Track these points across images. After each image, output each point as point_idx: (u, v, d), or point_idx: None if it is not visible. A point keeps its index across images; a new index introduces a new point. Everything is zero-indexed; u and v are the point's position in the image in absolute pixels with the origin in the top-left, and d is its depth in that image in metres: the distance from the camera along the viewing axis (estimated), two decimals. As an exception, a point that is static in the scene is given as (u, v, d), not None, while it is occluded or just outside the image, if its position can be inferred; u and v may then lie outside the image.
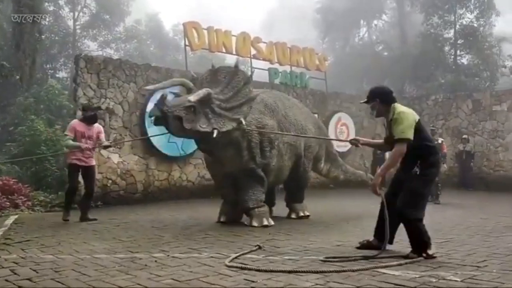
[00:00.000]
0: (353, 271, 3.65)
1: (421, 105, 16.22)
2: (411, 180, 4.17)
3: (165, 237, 5.47)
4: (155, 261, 4.14)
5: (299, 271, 3.63)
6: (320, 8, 27.14)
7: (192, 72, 7.23)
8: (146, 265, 3.99)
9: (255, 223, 6.27)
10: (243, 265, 3.86)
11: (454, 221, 7.11)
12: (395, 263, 3.90)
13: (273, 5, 47.09)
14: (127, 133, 10.32)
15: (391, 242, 4.46)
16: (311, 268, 3.74)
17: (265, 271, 3.68)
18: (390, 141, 4.33)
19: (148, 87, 7.03)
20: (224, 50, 12.76)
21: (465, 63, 20.75)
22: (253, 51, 13.36)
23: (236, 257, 4.18)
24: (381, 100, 4.39)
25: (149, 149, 10.53)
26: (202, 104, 5.67)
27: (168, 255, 4.36)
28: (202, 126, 5.66)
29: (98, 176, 9.69)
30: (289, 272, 3.63)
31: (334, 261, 4.03)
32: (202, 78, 6.34)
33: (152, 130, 10.44)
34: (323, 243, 5.02)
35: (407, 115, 4.19)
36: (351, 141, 5.02)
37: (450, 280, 3.39)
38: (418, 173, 4.15)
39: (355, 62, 24.40)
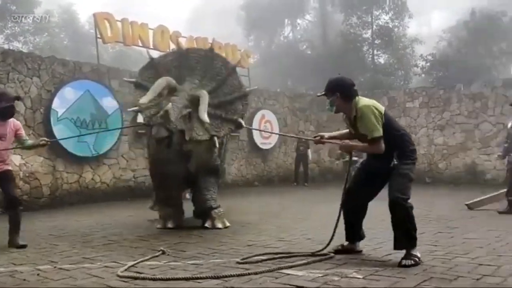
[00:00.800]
0: (256, 273, 3.43)
1: (341, 102, 16.61)
2: (395, 172, 3.79)
3: (59, 246, 4.93)
4: (38, 274, 3.66)
5: (197, 278, 3.34)
6: (244, 5, 27.06)
7: (149, 53, 5.95)
8: (25, 279, 3.50)
9: (219, 225, 5.74)
10: (137, 274, 3.50)
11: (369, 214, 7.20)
12: (301, 262, 3.75)
13: (198, 2, 46.40)
14: (30, 132, 9.40)
15: (361, 239, 4.19)
16: (213, 273, 3.47)
17: (161, 279, 3.35)
18: (357, 137, 3.99)
19: (140, 103, 5.02)
20: (140, 44, 12.16)
21: (382, 62, 21.66)
22: (172, 46, 12.86)
23: (133, 265, 3.81)
24: (341, 94, 3.88)
25: (56, 150, 9.70)
26: (193, 106, 5.05)
27: (55, 267, 3.88)
28: (199, 134, 5.16)
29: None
30: (187, 279, 3.33)
31: (251, 262, 3.80)
32: (166, 62, 5.50)
33: (59, 128, 9.70)
34: (234, 244, 4.78)
35: (372, 109, 3.74)
36: (315, 139, 4.32)
37: (352, 277, 3.28)
38: (398, 164, 3.78)
39: (280, 60, 24.62)
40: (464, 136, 14.13)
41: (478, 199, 8.23)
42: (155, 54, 9.24)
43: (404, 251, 3.67)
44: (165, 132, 4.85)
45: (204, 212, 5.87)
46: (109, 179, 10.75)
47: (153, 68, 5.50)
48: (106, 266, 3.86)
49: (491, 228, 5.43)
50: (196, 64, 5.39)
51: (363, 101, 3.86)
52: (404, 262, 3.57)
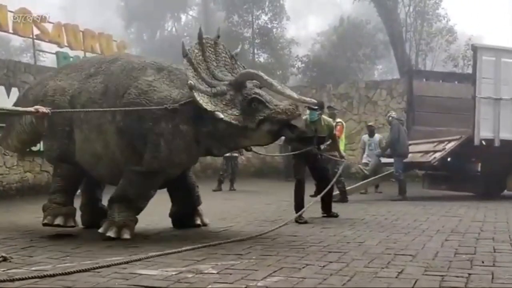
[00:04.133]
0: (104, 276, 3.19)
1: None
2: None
3: None
4: None
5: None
6: (124, -5, 25.89)
7: (183, 46, 4.64)
8: None
9: (207, 220, 5.40)
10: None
11: (241, 208, 7.32)
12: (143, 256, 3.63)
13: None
14: None
15: None
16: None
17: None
18: None
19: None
20: (-3, 28, 10.86)
21: (262, 61, 22.33)
22: (36, 31, 11.74)
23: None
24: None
25: None
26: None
27: None
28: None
29: None
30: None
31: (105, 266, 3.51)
32: (195, 56, 4.55)
33: None
34: (93, 246, 4.44)
35: None
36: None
37: (207, 273, 3.23)
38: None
39: (163, 55, 23.98)
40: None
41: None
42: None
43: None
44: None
45: (193, 211, 5.36)
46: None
47: (191, 65, 4.56)
48: None
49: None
50: (212, 55, 4.72)
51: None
52: None
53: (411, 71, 12.98)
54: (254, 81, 4.57)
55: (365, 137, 10.43)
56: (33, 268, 3.55)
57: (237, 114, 4.35)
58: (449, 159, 8.66)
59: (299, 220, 5.55)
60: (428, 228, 4.80)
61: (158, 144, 4.50)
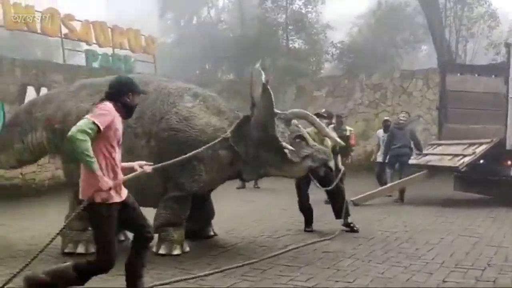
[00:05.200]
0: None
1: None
2: None
3: None
4: None
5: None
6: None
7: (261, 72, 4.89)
8: None
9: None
10: None
11: (255, 213, 7.21)
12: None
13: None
14: None
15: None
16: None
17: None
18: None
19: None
20: (25, 28, 11.14)
21: (297, 47, 21.82)
22: (65, 30, 11.96)
23: None
24: None
25: None
26: None
27: None
28: None
29: None
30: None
31: None
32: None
33: None
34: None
35: None
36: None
37: None
38: None
39: (198, 41, 23.97)
40: (365, 125, 14.67)
41: (363, 194, 8.54)
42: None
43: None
44: None
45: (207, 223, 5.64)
46: (-10, 178, 9.86)
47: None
48: None
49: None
50: None
51: None
52: None
53: (444, 65, 12.16)
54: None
55: (380, 132, 9.83)
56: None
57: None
58: (481, 161, 8.13)
59: (307, 229, 5.92)
60: (435, 257, 4.43)
61: (199, 169, 4.71)
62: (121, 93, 3.29)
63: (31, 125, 5.15)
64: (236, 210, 7.60)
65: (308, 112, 5.30)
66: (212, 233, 5.58)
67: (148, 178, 4.34)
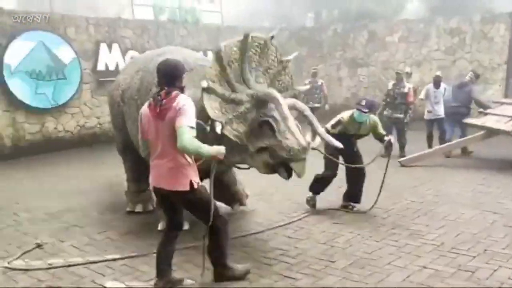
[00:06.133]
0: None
1: (321, 35, 16.15)
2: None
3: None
4: None
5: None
6: None
7: (221, 45, 4.22)
8: None
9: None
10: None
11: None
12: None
13: None
14: (-15, 87, 9.72)
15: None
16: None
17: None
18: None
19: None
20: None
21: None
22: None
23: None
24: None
25: (14, 103, 10.05)
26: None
27: None
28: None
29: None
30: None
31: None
32: (229, 54, 4.21)
33: (14, 82, 9.93)
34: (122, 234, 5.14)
35: None
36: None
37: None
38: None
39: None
40: (440, 73, 13.70)
41: (412, 156, 8.34)
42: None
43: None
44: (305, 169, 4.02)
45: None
46: (73, 127, 11.15)
47: (219, 64, 4.21)
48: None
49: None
50: (254, 55, 4.42)
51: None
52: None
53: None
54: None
55: (430, 86, 9.23)
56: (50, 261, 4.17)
57: (241, 131, 4.01)
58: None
59: (310, 202, 5.53)
60: (436, 238, 4.36)
61: None
62: (178, 78, 3.33)
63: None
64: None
65: (280, 99, 3.98)
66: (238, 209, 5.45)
67: None
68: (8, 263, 4.11)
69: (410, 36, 14.32)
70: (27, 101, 10.14)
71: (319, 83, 11.66)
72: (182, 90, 3.33)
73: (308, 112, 4.34)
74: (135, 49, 11.70)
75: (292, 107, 4.22)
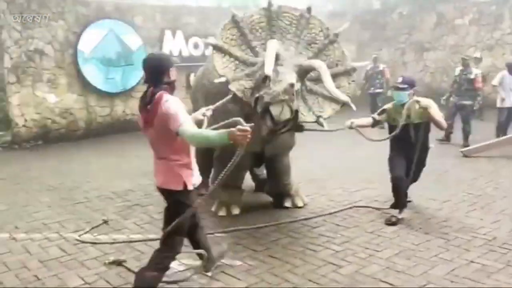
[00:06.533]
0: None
1: (385, 18, 15.65)
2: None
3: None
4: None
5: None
6: None
7: (233, 10, 4.42)
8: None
9: (299, 203, 5.34)
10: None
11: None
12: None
13: None
14: (62, 72, 10.53)
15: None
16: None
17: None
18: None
19: (267, 74, 3.82)
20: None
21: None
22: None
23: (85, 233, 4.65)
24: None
25: (87, 87, 10.81)
26: (300, 79, 4.10)
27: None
28: (304, 114, 4.25)
29: (35, 116, 10.23)
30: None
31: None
32: (251, 20, 4.38)
33: (88, 68, 10.68)
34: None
35: None
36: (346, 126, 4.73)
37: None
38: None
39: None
40: (513, 58, 12.89)
41: (475, 146, 8.01)
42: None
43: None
44: (289, 113, 3.83)
45: (281, 194, 5.29)
46: (139, 111, 11.77)
47: (236, 27, 4.37)
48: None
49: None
50: (289, 26, 4.39)
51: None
52: None
53: None
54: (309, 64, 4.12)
55: (505, 73, 8.73)
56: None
57: (246, 87, 4.03)
58: None
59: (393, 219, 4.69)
60: (472, 240, 4.22)
61: None
62: (165, 73, 3.11)
63: None
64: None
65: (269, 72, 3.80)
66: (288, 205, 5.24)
67: None
68: (79, 236, 4.57)
69: (482, 19, 13.54)
70: (98, 86, 10.88)
71: (381, 68, 11.41)
72: (171, 84, 3.12)
73: (323, 68, 4.01)
74: (198, 35, 12.07)
75: (310, 68, 4.13)
